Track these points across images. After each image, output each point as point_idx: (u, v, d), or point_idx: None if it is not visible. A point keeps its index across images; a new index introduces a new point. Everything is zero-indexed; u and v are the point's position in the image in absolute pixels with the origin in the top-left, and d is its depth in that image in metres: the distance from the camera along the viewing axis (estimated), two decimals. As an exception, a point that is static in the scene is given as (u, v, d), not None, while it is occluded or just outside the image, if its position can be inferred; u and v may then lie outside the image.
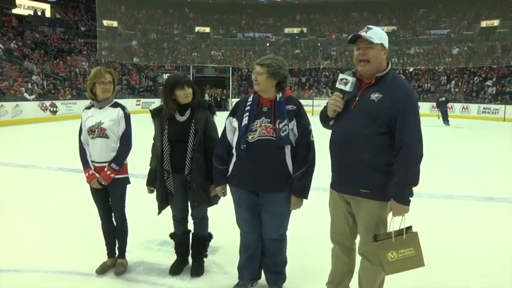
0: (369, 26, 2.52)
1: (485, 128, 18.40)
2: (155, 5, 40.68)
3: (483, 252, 4.04)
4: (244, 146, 2.77)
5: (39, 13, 34.21)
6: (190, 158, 3.19)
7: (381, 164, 2.43)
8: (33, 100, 19.27)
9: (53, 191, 6.15)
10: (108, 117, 3.34)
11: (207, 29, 40.56)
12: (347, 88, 2.50)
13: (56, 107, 19.46)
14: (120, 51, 36.14)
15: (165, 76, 31.33)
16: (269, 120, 2.79)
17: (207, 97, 28.63)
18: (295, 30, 40.23)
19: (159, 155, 3.25)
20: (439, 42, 35.37)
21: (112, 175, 3.31)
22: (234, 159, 2.91)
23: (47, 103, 18.83)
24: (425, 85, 29.77)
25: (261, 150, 2.76)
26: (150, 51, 37.20)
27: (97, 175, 3.31)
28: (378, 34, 2.46)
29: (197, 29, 40.46)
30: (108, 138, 3.32)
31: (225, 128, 3.01)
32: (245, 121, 2.80)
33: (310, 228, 4.30)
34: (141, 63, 34.45)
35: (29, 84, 21.17)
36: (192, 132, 3.19)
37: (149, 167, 3.41)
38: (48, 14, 35.47)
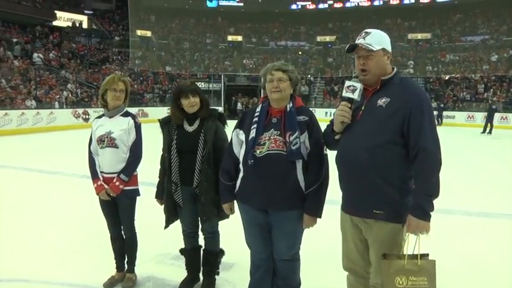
0: (366, 30, 2.30)
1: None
2: (188, 15, 41.25)
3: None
4: (252, 161, 2.56)
5: (77, 24, 35.39)
6: (199, 170, 3.04)
7: (396, 179, 2.17)
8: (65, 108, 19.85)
9: (73, 199, 6.14)
10: (119, 126, 3.26)
11: (239, 38, 40.73)
12: (355, 96, 2.28)
13: (88, 114, 19.89)
14: (153, 60, 36.76)
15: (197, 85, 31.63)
16: (278, 132, 2.58)
17: (239, 105, 28.72)
18: (328, 39, 39.86)
19: (167, 167, 3.12)
20: (475, 49, 34.12)
21: (121, 186, 3.22)
22: (241, 174, 2.71)
23: (80, 111, 19.27)
24: (461, 94, 28.75)
25: (270, 166, 2.55)
26: (182, 60, 37.66)
27: (106, 186, 3.22)
28: (377, 39, 2.25)
29: (229, 37, 40.70)
30: (117, 148, 3.23)
31: (231, 141, 2.82)
32: (252, 134, 2.60)
33: (325, 246, 4.02)
34: (173, 72, 34.89)
35: (64, 92, 21.78)
36: (201, 143, 3.04)
37: (158, 179, 3.30)
38: (85, 25, 36.68)
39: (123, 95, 3.30)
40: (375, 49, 2.21)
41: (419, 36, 36.71)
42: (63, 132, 16.49)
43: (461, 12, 36.37)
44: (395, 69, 2.32)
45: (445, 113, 25.76)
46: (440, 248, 3.72)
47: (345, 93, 2.31)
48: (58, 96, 21.02)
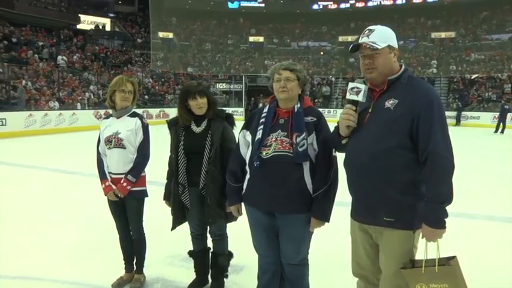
0: (370, 27, 2.18)
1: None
2: (210, 16, 41.46)
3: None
4: (258, 162, 2.50)
5: (100, 27, 36.01)
6: (206, 171, 2.99)
7: (406, 185, 2.07)
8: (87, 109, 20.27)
9: (87, 199, 6.17)
10: (126, 127, 3.24)
11: (261, 39, 40.70)
12: (360, 98, 2.17)
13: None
14: (175, 61, 37.08)
15: (218, 86, 31.80)
16: (285, 133, 2.50)
17: (261, 106, 28.61)
18: (350, 38, 39.40)
19: (174, 168, 3.08)
20: (503, 47, 33.13)
21: (128, 187, 3.19)
22: (247, 176, 2.65)
23: (102, 111, 19.53)
24: (486, 94, 27.98)
25: (276, 168, 2.48)
26: (203, 61, 37.86)
27: (113, 187, 3.21)
28: (382, 35, 2.14)
29: (251, 38, 40.73)
30: (125, 148, 3.21)
31: (238, 142, 2.77)
32: (259, 135, 2.53)
33: (334, 249, 3.93)
34: (195, 73, 35.09)
35: (86, 93, 22.16)
36: (208, 144, 2.99)
37: (166, 181, 3.27)
38: (108, 28, 37.35)
39: (131, 96, 3.29)
40: (380, 47, 2.10)
41: (443, 35, 35.90)
42: (85, 133, 16.70)
43: (488, 9, 35.26)
44: (403, 67, 2.21)
45: (469, 114, 25.34)
46: (462, 254, 3.56)
47: (349, 96, 2.21)
48: (80, 97, 21.40)
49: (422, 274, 2.02)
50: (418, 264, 2.07)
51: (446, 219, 1.99)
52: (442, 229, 1.99)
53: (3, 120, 15.11)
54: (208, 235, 3.29)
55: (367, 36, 2.15)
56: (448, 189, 1.99)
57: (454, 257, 2.03)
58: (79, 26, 34.41)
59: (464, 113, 25.43)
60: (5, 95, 18.00)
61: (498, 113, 21.04)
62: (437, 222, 1.98)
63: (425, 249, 2.05)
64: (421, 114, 2.01)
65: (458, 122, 24.73)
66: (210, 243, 3.33)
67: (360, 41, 2.17)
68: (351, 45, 2.22)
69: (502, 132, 19.71)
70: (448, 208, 2.01)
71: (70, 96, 21.05)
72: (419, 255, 2.15)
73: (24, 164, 9.41)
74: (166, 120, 3.24)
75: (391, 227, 2.11)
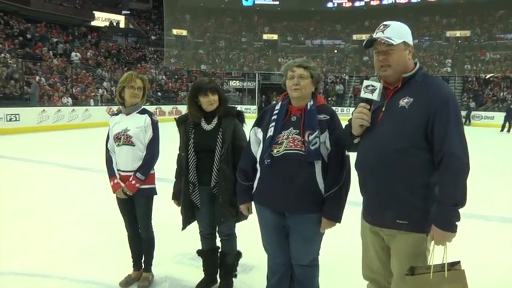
0: (385, 22, 2.11)
1: None
2: (224, 13, 41.51)
3: None
4: (268, 160, 2.44)
5: (114, 24, 36.25)
6: (217, 170, 2.94)
7: (420, 187, 2.00)
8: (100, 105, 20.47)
9: (95, 196, 6.18)
10: (135, 124, 3.19)
11: (275, 36, 40.63)
12: (374, 96, 2.09)
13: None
14: (189, 58, 37.15)
15: (232, 83, 31.77)
16: (297, 131, 2.44)
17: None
18: (364, 37, 39.07)
19: (183, 166, 3.03)
20: (520, 46, 32.62)
21: (137, 185, 3.15)
22: (258, 174, 2.59)
23: (114, 108, 19.63)
24: (501, 94, 27.53)
25: (287, 166, 2.42)
26: (217, 59, 37.89)
27: (122, 184, 3.17)
28: (397, 31, 2.06)
29: (265, 36, 40.65)
30: (134, 146, 3.17)
31: (249, 139, 2.71)
32: (270, 132, 2.47)
33: (346, 250, 3.83)
34: (208, 71, 35.11)
35: (99, 90, 22.30)
36: (219, 142, 2.94)
37: (175, 180, 3.22)
38: (122, 25, 37.57)
39: (140, 92, 3.24)
40: (395, 43, 2.03)
41: (458, 33, 35.49)
42: (98, 129, 16.80)
43: (504, 8, 34.71)
44: (417, 65, 2.13)
45: (483, 113, 25.12)
46: (474, 258, 3.50)
47: (363, 94, 2.14)
48: (93, 93, 21.56)
49: (430, 280, 1.94)
50: (418, 271, 1.99)
51: (457, 223, 1.92)
52: (453, 233, 1.92)
53: (17, 116, 15.26)
54: (217, 234, 3.24)
55: (382, 31, 2.08)
56: (461, 191, 1.92)
57: (458, 262, 1.97)
58: (93, 23, 34.72)
59: (478, 113, 25.20)
60: (19, 91, 18.19)
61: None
62: (448, 225, 1.91)
63: (431, 253, 1.99)
64: (437, 113, 1.94)
65: (469, 122, 24.55)
66: (218, 242, 3.28)
67: (374, 36, 2.10)
68: (365, 40, 2.15)
69: (508, 131, 19.97)
70: (461, 209, 1.94)
71: (83, 92, 21.24)
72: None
73: (37, 160, 9.48)
74: (175, 118, 3.19)
75: (404, 229, 2.05)
